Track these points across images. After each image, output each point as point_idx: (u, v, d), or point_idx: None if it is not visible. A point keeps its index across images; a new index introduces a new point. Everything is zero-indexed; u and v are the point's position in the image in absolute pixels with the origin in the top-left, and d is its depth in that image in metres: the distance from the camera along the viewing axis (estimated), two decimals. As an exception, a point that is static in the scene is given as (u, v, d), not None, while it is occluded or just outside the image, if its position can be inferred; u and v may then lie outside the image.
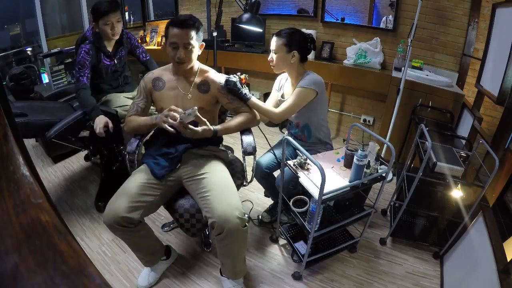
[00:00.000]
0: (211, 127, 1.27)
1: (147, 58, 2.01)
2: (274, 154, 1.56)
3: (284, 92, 1.59)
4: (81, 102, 1.67)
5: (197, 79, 1.35)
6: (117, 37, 1.76)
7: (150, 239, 1.34)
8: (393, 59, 2.44)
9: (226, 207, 1.14)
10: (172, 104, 1.32)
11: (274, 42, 1.44)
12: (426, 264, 1.59)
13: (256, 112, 1.43)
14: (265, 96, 3.21)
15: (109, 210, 1.14)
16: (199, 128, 1.23)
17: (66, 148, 2.19)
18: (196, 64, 1.36)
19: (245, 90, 1.36)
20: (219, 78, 1.37)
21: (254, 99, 1.39)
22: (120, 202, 1.15)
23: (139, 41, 3.89)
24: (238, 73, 1.38)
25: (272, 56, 1.46)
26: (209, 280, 1.46)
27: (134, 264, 1.52)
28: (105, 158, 2.03)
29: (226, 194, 1.20)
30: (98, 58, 1.76)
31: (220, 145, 1.48)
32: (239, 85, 1.33)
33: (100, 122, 1.57)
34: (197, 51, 1.29)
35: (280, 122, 1.48)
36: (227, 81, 1.33)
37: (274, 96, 1.64)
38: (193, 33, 1.22)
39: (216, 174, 1.28)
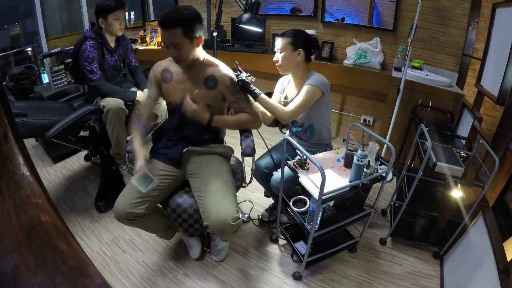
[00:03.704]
0: (207, 113, 1.31)
1: (136, 65, 2.14)
2: (272, 157, 1.56)
3: (287, 93, 1.59)
4: (108, 91, 1.83)
5: (204, 74, 1.31)
6: (121, 33, 1.88)
7: (160, 220, 1.39)
8: (393, 59, 2.44)
9: (220, 213, 1.16)
10: (180, 98, 1.32)
11: (279, 42, 1.45)
12: (426, 264, 1.59)
13: (260, 116, 1.41)
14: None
15: (116, 206, 1.20)
16: (196, 107, 1.29)
17: (66, 148, 2.19)
18: (202, 56, 1.30)
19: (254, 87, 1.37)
20: (229, 73, 1.33)
21: (264, 96, 1.38)
22: (125, 198, 1.21)
23: (139, 41, 3.91)
24: (248, 74, 1.38)
25: (278, 56, 1.46)
26: (209, 280, 1.46)
27: (134, 264, 1.52)
28: (105, 158, 2.03)
29: (223, 197, 1.21)
30: (102, 53, 1.84)
31: (224, 143, 1.49)
32: (248, 80, 1.34)
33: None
34: (191, 47, 1.19)
35: (289, 121, 1.48)
36: (237, 76, 1.34)
37: (276, 98, 1.64)
38: (178, 31, 1.13)
39: (215, 174, 1.29)
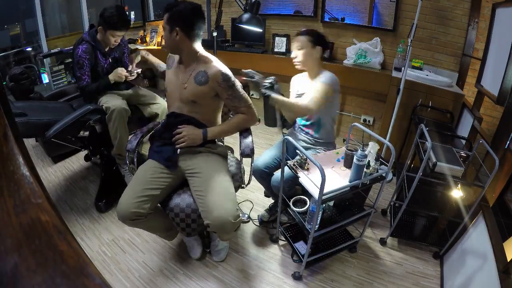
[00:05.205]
0: (199, 130, 1.33)
1: None
2: (271, 157, 1.57)
3: (299, 88, 1.63)
4: (90, 93, 1.82)
5: (196, 69, 1.30)
6: (113, 47, 1.89)
7: (162, 220, 1.39)
8: (393, 59, 2.44)
9: (221, 212, 1.16)
10: (171, 89, 1.37)
11: (299, 40, 1.51)
12: (426, 264, 1.59)
13: (255, 112, 1.41)
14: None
15: (119, 206, 1.20)
16: (182, 129, 1.30)
17: (66, 148, 2.19)
18: (196, 51, 1.30)
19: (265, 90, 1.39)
20: (222, 69, 1.30)
21: (279, 97, 1.37)
22: (128, 197, 1.21)
23: (139, 41, 3.91)
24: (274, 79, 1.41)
25: (297, 53, 1.51)
26: (209, 280, 1.46)
27: (134, 264, 1.52)
28: (105, 158, 2.03)
29: (223, 195, 1.21)
30: (95, 56, 1.83)
31: (224, 142, 1.49)
32: (261, 82, 1.38)
33: (119, 72, 1.82)
34: (171, 36, 1.24)
35: (308, 115, 1.54)
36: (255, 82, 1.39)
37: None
38: (166, 16, 1.23)
39: (215, 173, 1.29)
